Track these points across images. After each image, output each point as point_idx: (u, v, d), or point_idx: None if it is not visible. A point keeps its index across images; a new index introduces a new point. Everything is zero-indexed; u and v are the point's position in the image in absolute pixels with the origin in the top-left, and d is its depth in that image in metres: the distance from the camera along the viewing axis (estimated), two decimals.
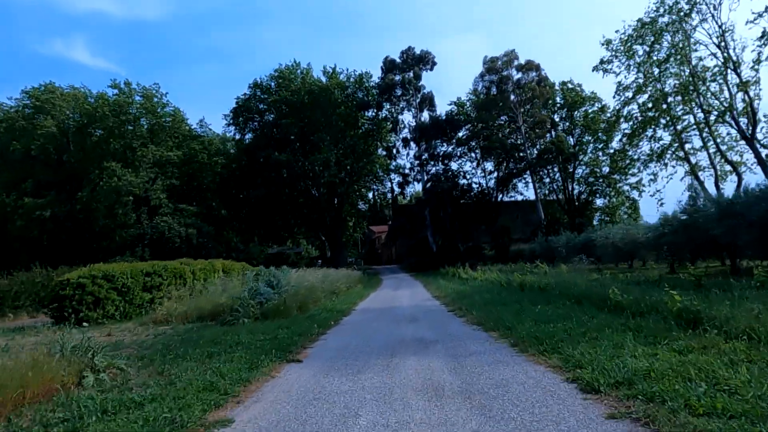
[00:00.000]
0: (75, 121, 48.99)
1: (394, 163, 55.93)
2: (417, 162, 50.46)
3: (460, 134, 55.07)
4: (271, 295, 13.56)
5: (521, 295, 14.94)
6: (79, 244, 44.24)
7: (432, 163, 50.55)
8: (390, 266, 60.98)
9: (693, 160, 42.41)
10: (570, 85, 55.99)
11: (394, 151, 51.43)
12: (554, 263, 28.21)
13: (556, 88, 55.46)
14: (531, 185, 63.58)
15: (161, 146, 48.65)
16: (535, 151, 52.29)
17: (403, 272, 48.93)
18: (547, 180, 60.88)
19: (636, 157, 48.23)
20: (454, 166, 53.12)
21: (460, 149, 54.84)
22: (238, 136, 55.52)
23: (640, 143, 46.65)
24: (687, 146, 42.28)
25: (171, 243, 41.34)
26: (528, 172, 56.74)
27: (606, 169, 56.13)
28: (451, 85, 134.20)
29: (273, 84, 53.27)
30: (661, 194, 45.90)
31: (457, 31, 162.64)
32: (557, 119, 56.45)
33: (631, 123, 47.64)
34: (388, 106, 52.73)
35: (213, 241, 44.56)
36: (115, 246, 42.47)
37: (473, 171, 56.44)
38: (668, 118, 42.33)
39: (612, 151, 53.91)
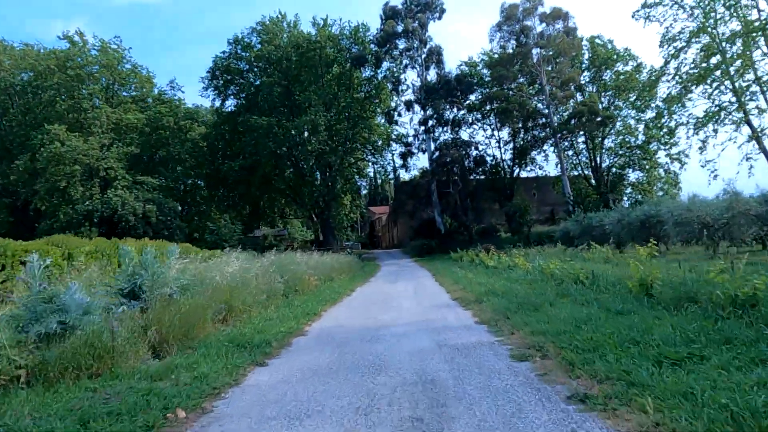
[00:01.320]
0: (22, 81, 41.60)
1: (395, 131, 48.39)
2: (422, 128, 42.87)
3: (472, 98, 47.52)
4: (126, 307, 6.31)
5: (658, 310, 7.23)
6: (18, 223, 37.10)
7: (440, 129, 43.03)
8: (391, 250, 53.77)
9: (757, 122, 34.80)
10: (599, 41, 48.05)
11: (396, 115, 43.78)
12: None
13: (584, 43, 47.54)
14: (549, 159, 56.32)
15: (121, 109, 41.22)
16: (558, 119, 44.60)
17: (406, 257, 41.70)
18: (570, 152, 53.33)
19: (683, 121, 40.72)
20: (464, 136, 45.53)
21: (471, 115, 47.27)
22: (218, 103, 47.84)
23: (688, 104, 38.97)
24: (750, 106, 34.63)
25: (124, 221, 34.13)
26: (548, 143, 49.32)
27: (640, 139, 48.53)
28: (459, 48, 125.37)
29: (255, 39, 45.56)
30: (715, 164, 38.47)
31: None
32: (583, 82, 48.61)
33: (677, 80, 40.08)
34: (389, 64, 45.04)
35: (178, 220, 37.36)
36: (60, 225, 35.28)
37: (486, 141, 48.69)
38: (727, 72, 34.61)
39: (649, 115, 46.33)
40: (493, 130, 50.41)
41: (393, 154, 49.04)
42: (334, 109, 42.41)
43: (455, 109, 43.41)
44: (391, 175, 51.34)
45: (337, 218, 51.14)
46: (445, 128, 42.71)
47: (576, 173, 54.55)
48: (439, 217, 43.13)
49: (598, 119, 39.08)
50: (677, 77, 39.37)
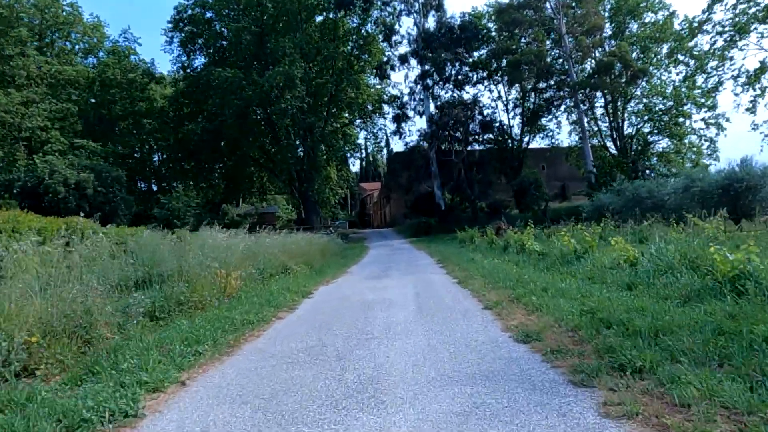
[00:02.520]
0: None
1: (388, 93, 41.64)
2: (419, 86, 36.20)
3: (477, 55, 40.87)
4: None
5: None
6: None
7: (440, 87, 36.31)
8: (383, 230, 47.43)
9: None
10: None
11: (388, 68, 36.89)
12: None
13: None
14: (562, 126, 49.97)
15: (60, 60, 34.23)
16: (578, 75, 38.02)
17: (400, 237, 35.41)
18: (586, 119, 46.95)
19: (727, 76, 34.41)
20: (467, 98, 38.87)
21: (476, 74, 40.62)
22: (185, 60, 40.70)
23: (736, 56, 32.53)
24: None
25: (52, 193, 27.51)
26: (565, 104, 42.91)
27: (668, 104, 42.09)
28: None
29: None
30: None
31: None
32: (605, 35, 41.92)
33: (721, 29, 33.68)
34: (379, 13, 38.15)
35: (124, 192, 30.74)
36: None
37: (492, 105, 42.18)
38: None
39: (680, 73, 39.92)
40: (499, 92, 43.82)
41: (385, 118, 42.39)
42: (316, 61, 35.59)
43: (458, 65, 36.62)
44: (383, 143, 44.68)
45: (321, 193, 44.58)
46: (446, 85, 36.06)
47: (593, 142, 48.31)
48: (438, 190, 36.76)
49: (630, 72, 32.52)
50: (722, 25, 32.93)
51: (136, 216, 31.53)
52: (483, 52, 41.75)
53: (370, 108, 42.22)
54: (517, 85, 44.89)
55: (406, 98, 37.76)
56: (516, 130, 46.21)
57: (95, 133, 36.12)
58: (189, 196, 30.55)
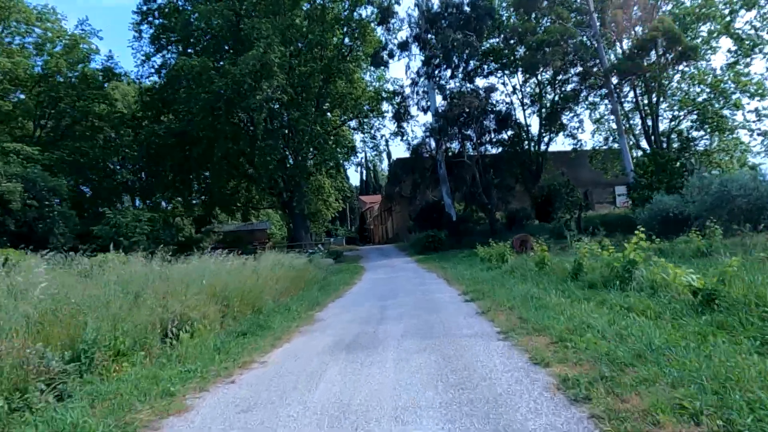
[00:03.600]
0: None
1: (386, 89, 36.05)
2: (423, 75, 30.49)
3: (490, 43, 35.42)
4: None
5: None
6: None
7: (448, 75, 30.62)
8: (384, 246, 41.49)
9: None
10: None
11: (385, 55, 31.18)
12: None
13: None
14: (584, 125, 44.16)
15: None
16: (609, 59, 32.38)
17: (404, 255, 29.45)
18: (610, 115, 41.29)
19: None
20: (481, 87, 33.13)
21: (487, 66, 35.07)
22: (159, 61, 35.13)
23: None
24: None
25: None
26: (581, 103, 37.46)
27: (703, 96, 36.36)
28: None
29: None
30: None
31: None
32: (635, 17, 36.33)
33: None
34: None
35: (65, 207, 24.96)
36: None
37: (506, 101, 36.26)
38: None
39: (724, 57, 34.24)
40: (514, 86, 38.28)
41: (384, 117, 36.58)
42: (300, 50, 29.97)
43: (468, 52, 30.88)
44: (382, 148, 38.81)
45: (311, 205, 38.74)
46: (454, 75, 30.35)
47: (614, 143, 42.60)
48: (448, 198, 30.91)
49: (679, 50, 26.77)
50: None
51: (82, 236, 25.71)
52: (496, 40, 36.38)
53: (366, 108, 36.50)
54: (533, 79, 39.55)
55: (407, 90, 32.16)
56: (533, 130, 40.73)
57: (43, 138, 30.56)
58: (141, 209, 24.59)
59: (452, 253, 27.29)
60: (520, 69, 37.43)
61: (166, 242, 21.25)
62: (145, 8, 34.51)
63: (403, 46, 31.78)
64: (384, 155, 37.81)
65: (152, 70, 33.30)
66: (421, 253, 28.06)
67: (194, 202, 44.78)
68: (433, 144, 29.58)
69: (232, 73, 26.33)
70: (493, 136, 31.71)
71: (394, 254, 30.41)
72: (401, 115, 32.25)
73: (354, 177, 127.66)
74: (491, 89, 28.96)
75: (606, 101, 40.17)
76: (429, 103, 31.42)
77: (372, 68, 37.24)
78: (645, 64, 29.72)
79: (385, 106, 36.51)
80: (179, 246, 23.35)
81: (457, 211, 32.29)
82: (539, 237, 24.02)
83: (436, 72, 29.60)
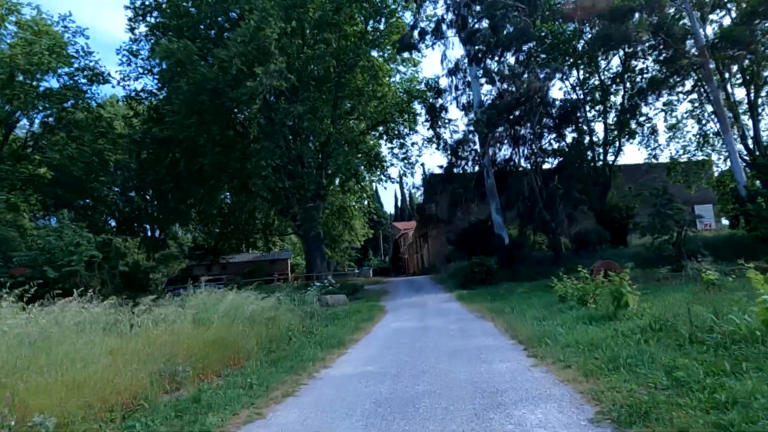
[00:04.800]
0: None
1: (418, 82, 29.86)
2: (464, 56, 24.05)
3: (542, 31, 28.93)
4: None
5: None
6: None
7: (495, 61, 24.03)
8: (417, 278, 34.41)
9: None
10: None
11: (415, 35, 24.82)
12: None
13: None
14: (657, 131, 36.57)
15: None
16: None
17: (441, 289, 22.47)
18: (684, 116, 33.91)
19: None
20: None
21: (541, 57, 28.45)
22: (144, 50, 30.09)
23: None
24: None
25: None
26: (665, 91, 30.34)
27: None
28: None
29: None
30: None
31: None
32: None
33: None
34: None
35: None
36: None
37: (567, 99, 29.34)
38: None
39: None
40: (578, 78, 31.48)
41: (416, 121, 30.11)
42: (306, 28, 24.01)
43: (518, 30, 24.29)
44: (415, 158, 32.21)
45: (333, 229, 32.49)
46: (502, 57, 23.69)
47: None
48: (498, 216, 23.97)
49: None
50: None
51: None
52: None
53: (395, 112, 30.19)
54: (596, 76, 32.69)
55: (443, 83, 25.76)
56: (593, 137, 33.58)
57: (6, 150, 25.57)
58: (81, 229, 18.71)
59: (506, 286, 20.36)
60: (582, 61, 30.69)
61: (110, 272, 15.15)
62: (138, 2, 29.60)
63: (438, 32, 25.46)
64: (417, 167, 30.98)
65: (140, 71, 28.04)
66: (463, 286, 21.13)
67: (196, 227, 39.42)
68: (477, 144, 22.86)
69: (219, 57, 20.62)
70: (553, 135, 24.83)
71: (428, 288, 23.49)
72: (436, 114, 25.78)
73: (389, 203, 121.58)
74: (554, 72, 22.08)
75: (686, 100, 32.93)
76: (471, 98, 24.87)
77: (399, 66, 31.22)
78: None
79: (417, 108, 30.22)
80: (123, 279, 17.33)
81: (509, 233, 25.27)
82: (622, 264, 16.89)
83: (480, 55, 23.07)
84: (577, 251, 24.73)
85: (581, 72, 32.63)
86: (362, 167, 24.56)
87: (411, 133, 30.91)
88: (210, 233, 39.82)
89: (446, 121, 27.58)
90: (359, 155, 25.31)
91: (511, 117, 22.25)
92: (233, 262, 50.07)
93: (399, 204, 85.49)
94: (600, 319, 8.61)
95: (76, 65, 28.44)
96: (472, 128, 21.13)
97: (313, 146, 22.93)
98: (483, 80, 24.02)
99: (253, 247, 55.06)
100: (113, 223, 44.81)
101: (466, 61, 24.05)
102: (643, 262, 20.51)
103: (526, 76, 21.20)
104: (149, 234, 42.45)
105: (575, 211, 23.63)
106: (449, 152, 24.04)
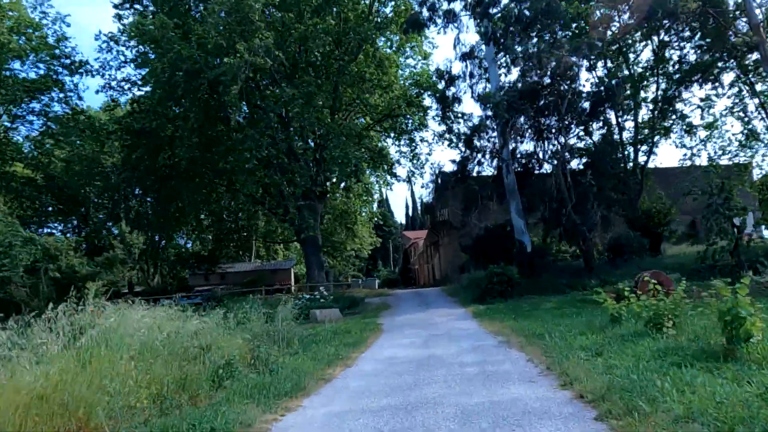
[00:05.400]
0: None
1: (429, 68, 26.90)
2: (481, 39, 20.95)
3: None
4: None
5: None
6: None
7: (516, 41, 20.79)
8: (427, 290, 31.00)
9: None
10: None
11: (424, 11, 21.77)
12: None
13: None
14: (694, 131, 33.05)
15: None
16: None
17: (453, 303, 19.12)
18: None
19: None
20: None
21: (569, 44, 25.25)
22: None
23: None
24: None
25: None
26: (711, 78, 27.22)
27: None
28: None
29: None
30: None
31: None
32: None
33: None
34: None
35: None
36: None
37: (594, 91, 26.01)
38: None
39: None
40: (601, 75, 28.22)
41: (426, 115, 27.01)
42: (303, 5, 21.04)
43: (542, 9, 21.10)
44: (425, 157, 28.93)
45: (333, 237, 29.41)
46: (524, 37, 20.43)
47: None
48: (520, 218, 20.69)
49: None
50: None
51: None
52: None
53: (399, 104, 27.07)
54: (626, 66, 29.44)
55: (456, 69, 22.76)
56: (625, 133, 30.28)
57: None
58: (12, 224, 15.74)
59: (530, 300, 17.19)
60: (610, 52, 27.42)
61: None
62: None
63: (450, 16, 22.39)
64: (427, 167, 27.82)
65: (121, 59, 25.26)
66: (479, 300, 17.83)
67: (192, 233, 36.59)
68: (495, 133, 19.60)
69: (197, 33, 17.78)
70: (580, 130, 21.59)
71: (438, 302, 20.19)
72: (448, 105, 22.65)
73: (399, 212, 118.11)
74: (586, 48, 18.74)
75: (725, 95, 29.45)
76: (488, 87, 21.69)
77: (408, 59, 28.32)
78: None
79: (427, 101, 27.14)
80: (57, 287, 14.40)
81: (531, 239, 21.92)
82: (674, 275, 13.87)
83: (499, 34, 19.90)
84: (612, 260, 21.35)
85: (608, 62, 29.42)
86: (363, 163, 21.41)
87: (420, 128, 27.84)
88: (203, 240, 36.93)
89: (459, 115, 24.48)
90: (361, 149, 22.15)
91: (535, 105, 19.04)
92: (232, 271, 47.20)
93: (410, 213, 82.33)
94: (705, 358, 5.37)
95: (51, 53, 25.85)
96: (490, 113, 17.91)
97: (306, 136, 19.85)
98: (501, 60, 20.88)
99: (257, 256, 52.26)
100: (116, 231, 42.29)
101: (482, 45, 20.91)
102: (689, 274, 17.20)
103: (553, 58, 18.00)
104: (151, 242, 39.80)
105: (610, 212, 20.22)
106: (463, 142, 20.81)
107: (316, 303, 16.87)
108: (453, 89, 22.75)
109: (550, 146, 20.86)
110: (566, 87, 19.12)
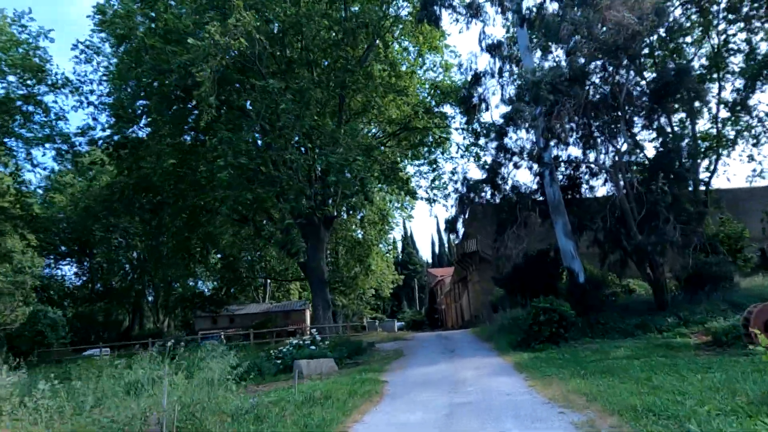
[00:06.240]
0: None
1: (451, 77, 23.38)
2: (509, 22, 17.18)
3: None
4: None
5: None
6: None
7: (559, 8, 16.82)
8: (453, 333, 26.12)
9: None
10: None
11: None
12: None
13: None
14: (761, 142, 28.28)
15: None
16: None
17: (485, 351, 14.58)
18: None
19: None
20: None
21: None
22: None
23: None
24: None
25: None
26: None
27: None
28: None
29: None
30: None
31: None
32: None
33: None
34: None
35: None
36: None
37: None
38: None
39: None
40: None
41: (449, 122, 23.09)
42: None
43: None
44: (448, 177, 24.81)
45: (344, 271, 25.36)
46: (566, 5, 16.32)
47: None
48: (568, 241, 16.29)
49: None
50: None
51: None
52: None
53: (418, 110, 23.23)
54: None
55: (482, 65, 18.98)
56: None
57: None
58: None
59: (590, 346, 12.75)
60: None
61: None
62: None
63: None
64: (450, 187, 23.75)
65: (102, 71, 22.19)
66: (522, 345, 13.37)
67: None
68: (532, 132, 15.41)
69: (163, 20, 14.50)
70: (641, 126, 17.36)
71: (467, 348, 15.67)
72: (473, 108, 18.76)
73: (425, 248, 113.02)
74: (655, 12, 14.61)
75: None
76: (522, 65, 17.73)
77: (425, 67, 24.82)
78: None
79: (449, 111, 23.31)
80: None
81: (583, 267, 17.39)
82: None
83: (536, 9, 16.09)
84: (691, 292, 16.63)
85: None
86: (371, 176, 17.38)
87: (441, 144, 23.91)
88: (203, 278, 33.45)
89: (486, 126, 20.55)
90: (370, 162, 18.14)
91: (588, 99, 14.92)
92: (240, 314, 43.48)
93: (436, 250, 77.58)
94: None
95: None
96: (527, 97, 13.79)
97: (300, 143, 16.03)
98: (537, 52, 16.97)
99: (271, 297, 48.50)
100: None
101: (514, 30, 17.12)
102: None
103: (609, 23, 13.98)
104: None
105: (687, 230, 15.63)
106: (494, 137, 16.62)
107: (305, 351, 12.70)
108: (479, 89, 18.88)
109: (603, 150, 16.61)
110: (623, 73, 15.06)
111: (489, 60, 18.73)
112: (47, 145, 24.47)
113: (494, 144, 16.63)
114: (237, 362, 7.30)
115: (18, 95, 23.81)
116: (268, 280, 45.20)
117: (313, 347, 13.04)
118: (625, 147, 16.10)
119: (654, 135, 19.01)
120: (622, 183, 15.92)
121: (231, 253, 30.61)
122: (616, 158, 15.56)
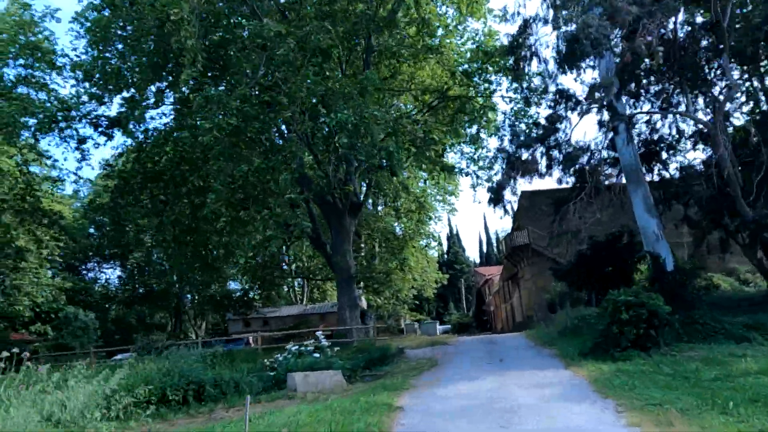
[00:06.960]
0: None
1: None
2: None
3: None
4: None
5: None
6: None
7: None
8: (502, 336, 22.31)
9: None
10: None
11: None
12: None
13: None
14: None
15: None
16: None
17: (545, 362, 11.07)
18: None
19: None
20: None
21: None
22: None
23: None
24: None
25: None
26: None
27: None
28: None
29: None
30: None
31: None
32: None
33: None
34: None
35: None
36: None
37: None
38: None
39: None
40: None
41: (493, 90, 19.63)
42: None
43: None
44: (492, 154, 21.34)
45: (373, 268, 22.34)
46: None
47: None
48: (651, 218, 12.50)
49: None
50: None
51: None
52: None
53: (457, 73, 19.72)
54: None
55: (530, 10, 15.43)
56: None
57: None
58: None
59: (692, 354, 9.08)
60: None
61: None
62: None
63: None
64: (497, 166, 20.34)
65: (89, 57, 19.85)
66: (597, 354, 9.87)
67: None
68: (600, 65, 11.80)
69: None
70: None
71: (520, 357, 12.18)
72: (520, 62, 15.29)
73: (471, 249, 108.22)
74: None
75: None
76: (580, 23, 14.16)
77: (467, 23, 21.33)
78: None
79: (492, 75, 19.80)
80: None
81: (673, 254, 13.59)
82: None
83: None
84: None
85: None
86: (392, 142, 13.98)
87: (484, 116, 20.40)
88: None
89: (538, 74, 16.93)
90: (398, 126, 14.78)
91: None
92: (275, 316, 41.38)
93: (484, 248, 73.35)
94: None
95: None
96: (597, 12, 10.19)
97: (301, 100, 12.97)
98: None
99: (309, 299, 46.28)
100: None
101: None
102: None
103: None
104: None
105: None
106: (558, 68, 12.94)
107: (305, 360, 9.68)
108: (530, 38, 15.35)
109: (693, 101, 12.80)
110: None
111: (541, 2, 15.21)
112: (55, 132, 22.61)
113: (553, 88, 13.11)
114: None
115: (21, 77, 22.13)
116: (305, 281, 43.02)
117: (316, 355, 10.03)
118: (725, 93, 12.20)
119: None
120: (723, 141, 12.09)
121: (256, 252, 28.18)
122: (717, 106, 11.74)
